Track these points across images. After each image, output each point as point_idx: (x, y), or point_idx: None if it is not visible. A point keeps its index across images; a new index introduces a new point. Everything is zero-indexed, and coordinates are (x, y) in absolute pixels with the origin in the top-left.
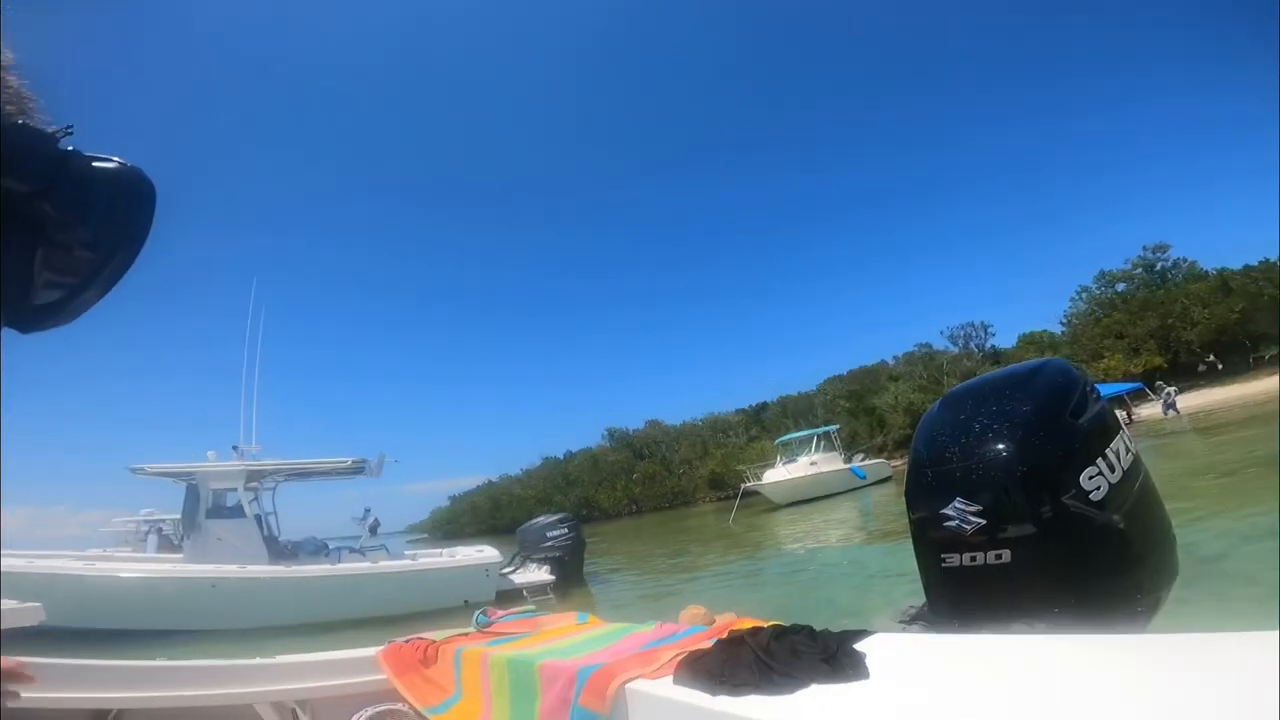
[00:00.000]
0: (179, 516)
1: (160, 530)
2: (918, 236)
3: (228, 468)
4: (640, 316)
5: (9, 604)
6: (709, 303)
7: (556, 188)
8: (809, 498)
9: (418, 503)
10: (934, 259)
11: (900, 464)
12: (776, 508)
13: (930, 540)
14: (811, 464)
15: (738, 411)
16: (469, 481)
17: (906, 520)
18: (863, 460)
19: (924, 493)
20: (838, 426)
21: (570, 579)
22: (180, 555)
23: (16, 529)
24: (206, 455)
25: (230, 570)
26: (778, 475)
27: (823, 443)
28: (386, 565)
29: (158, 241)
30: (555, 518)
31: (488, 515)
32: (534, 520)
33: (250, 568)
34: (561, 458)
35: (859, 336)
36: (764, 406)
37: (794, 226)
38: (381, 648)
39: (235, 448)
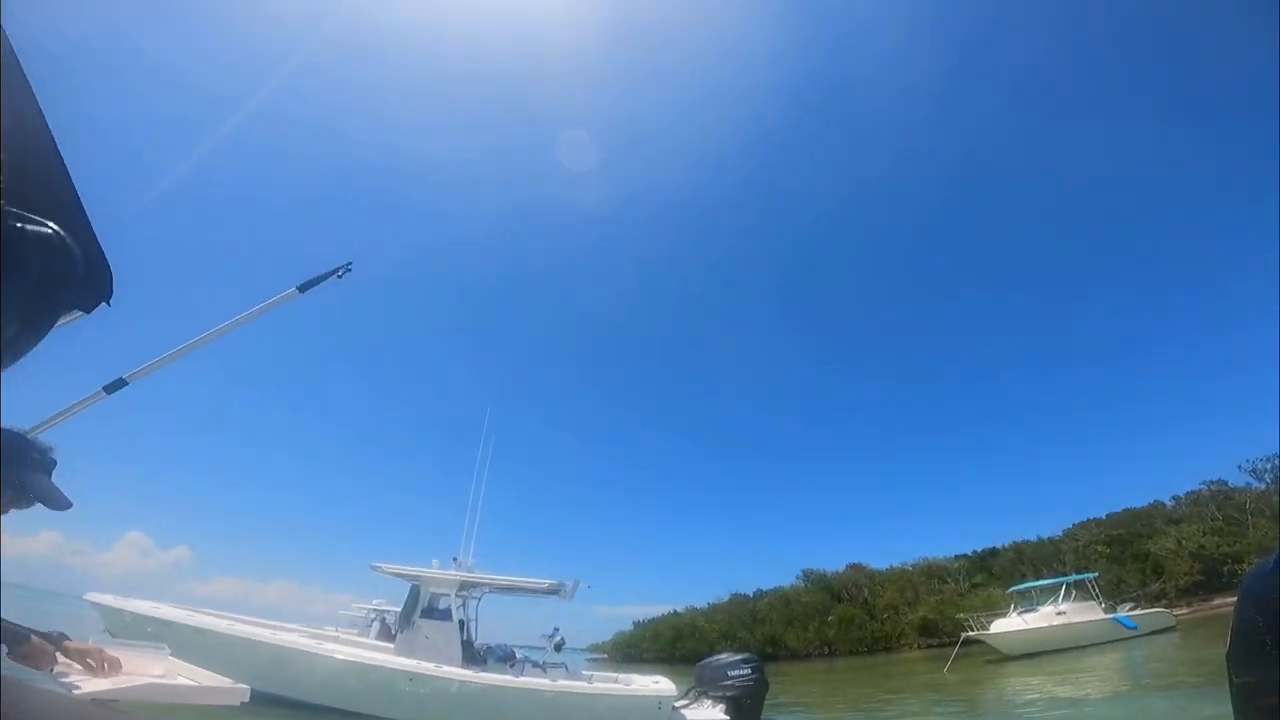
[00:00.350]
0: (400, 610)
1: (384, 620)
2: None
3: (445, 576)
4: (845, 461)
5: (219, 681)
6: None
7: (784, 324)
8: (1051, 649)
9: (603, 623)
10: (1225, 381)
11: (1185, 613)
12: (1005, 659)
13: (1263, 710)
14: (1058, 613)
15: (958, 557)
16: (654, 609)
17: (1188, 671)
18: (1132, 610)
19: (1263, 662)
20: (1097, 574)
21: None
22: (392, 646)
23: (274, 600)
24: (431, 563)
25: (427, 668)
26: (1011, 624)
27: (1074, 591)
28: (563, 684)
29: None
30: (739, 657)
31: (668, 644)
32: (716, 657)
33: (444, 668)
34: (750, 595)
35: (1118, 477)
36: (993, 553)
37: (1038, 356)
38: None
39: (455, 559)
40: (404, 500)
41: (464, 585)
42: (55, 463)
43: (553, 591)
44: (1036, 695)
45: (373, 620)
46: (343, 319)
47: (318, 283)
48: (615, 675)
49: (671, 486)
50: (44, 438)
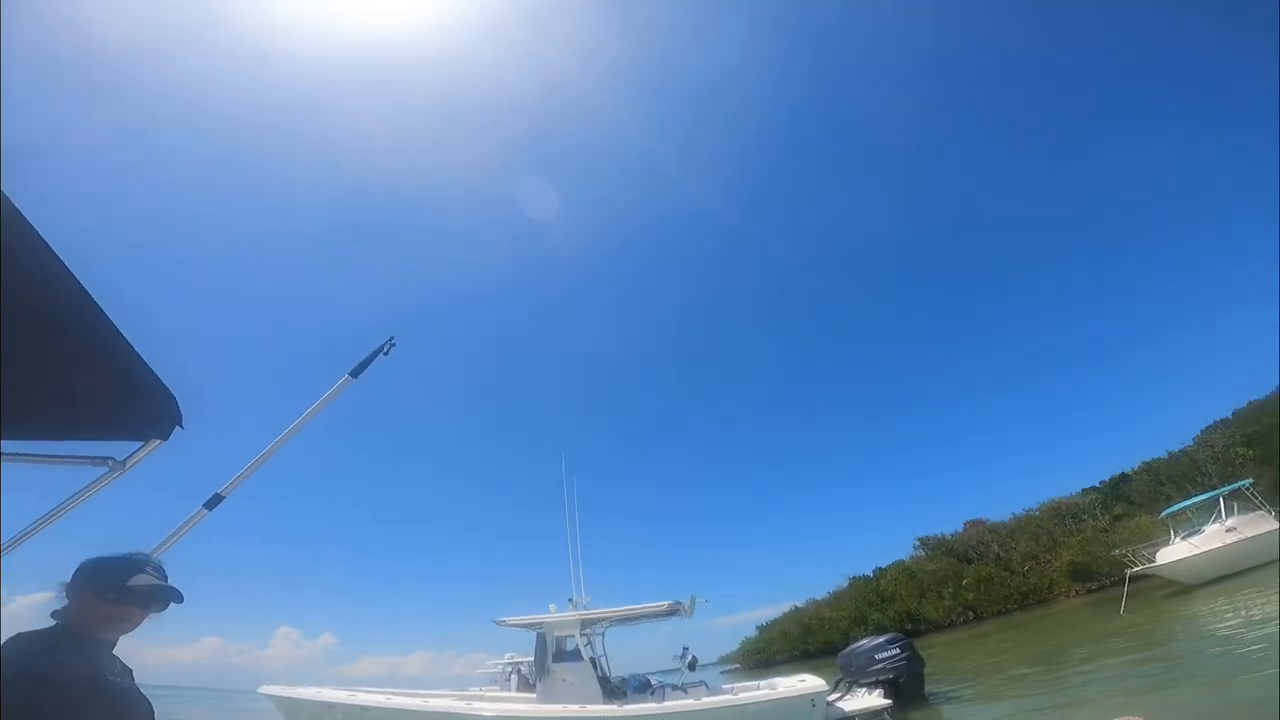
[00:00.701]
0: (533, 659)
1: (519, 671)
2: None
3: (566, 618)
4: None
5: None
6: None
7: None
8: (1235, 571)
9: (727, 635)
10: None
11: None
12: (1185, 589)
13: None
14: (1228, 530)
15: (1085, 491)
16: (773, 611)
17: None
18: None
19: None
20: (1250, 480)
21: (909, 702)
22: (534, 695)
23: (416, 670)
24: (549, 608)
25: (573, 710)
26: (1179, 551)
27: (1235, 503)
28: (710, 701)
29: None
30: (883, 638)
31: (798, 641)
32: (858, 644)
33: (590, 707)
34: (871, 575)
35: (1233, 368)
36: (1124, 478)
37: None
38: None
39: (570, 600)
40: (509, 561)
41: (585, 623)
42: (165, 572)
43: (672, 612)
44: (1247, 621)
45: (509, 674)
46: (383, 401)
47: (368, 364)
48: (757, 683)
49: (759, 486)
50: (160, 558)
